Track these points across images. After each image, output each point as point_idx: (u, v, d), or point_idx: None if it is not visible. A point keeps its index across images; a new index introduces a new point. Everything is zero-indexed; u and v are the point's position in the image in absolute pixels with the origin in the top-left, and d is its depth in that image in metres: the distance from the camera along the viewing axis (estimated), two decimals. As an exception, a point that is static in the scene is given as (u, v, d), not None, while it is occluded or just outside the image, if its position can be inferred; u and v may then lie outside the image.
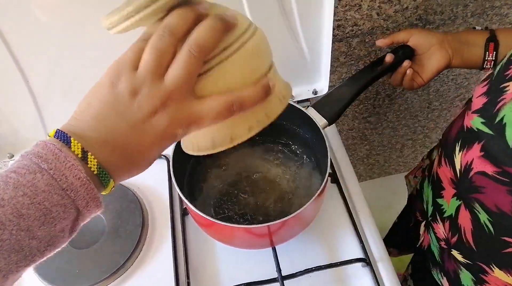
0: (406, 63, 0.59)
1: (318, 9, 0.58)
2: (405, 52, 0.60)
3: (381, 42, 0.62)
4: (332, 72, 0.79)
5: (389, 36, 0.61)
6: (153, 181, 0.66)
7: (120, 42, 0.56)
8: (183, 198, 0.48)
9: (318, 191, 0.47)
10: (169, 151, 0.68)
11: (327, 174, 0.49)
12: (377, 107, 0.96)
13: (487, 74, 0.47)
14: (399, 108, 0.99)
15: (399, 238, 0.96)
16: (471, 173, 0.46)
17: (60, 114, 0.64)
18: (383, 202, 1.27)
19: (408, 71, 0.59)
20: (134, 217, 0.61)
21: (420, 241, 0.66)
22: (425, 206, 0.64)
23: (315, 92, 0.70)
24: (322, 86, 0.70)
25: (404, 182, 0.86)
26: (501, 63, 0.43)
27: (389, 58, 0.59)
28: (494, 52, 0.55)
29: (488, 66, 0.56)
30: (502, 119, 0.40)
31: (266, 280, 0.51)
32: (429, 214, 0.61)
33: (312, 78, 0.69)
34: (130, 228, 0.60)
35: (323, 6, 0.57)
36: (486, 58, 0.55)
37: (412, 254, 0.84)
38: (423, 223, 0.65)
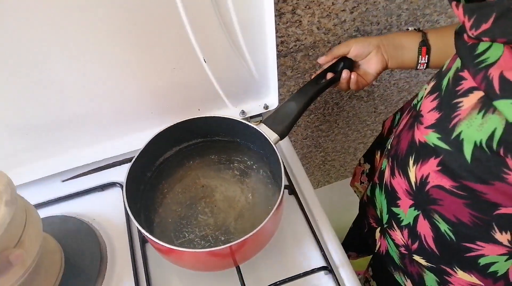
0: (344, 73, 0.62)
1: (260, 28, 0.59)
2: (345, 64, 0.63)
3: (322, 60, 0.65)
4: (280, 86, 0.81)
5: (329, 53, 0.64)
6: (109, 211, 0.64)
7: (71, 71, 0.54)
8: (139, 227, 0.47)
9: (275, 206, 0.48)
10: (123, 178, 0.67)
11: (282, 188, 0.50)
12: (327, 115, 1.00)
13: (431, 85, 0.49)
14: (347, 115, 1.04)
15: (356, 242, 0.98)
16: (428, 187, 0.47)
17: (3, 147, 0.61)
18: (342, 205, 1.30)
19: (352, 77, 0.62)
20: (91, 250, 0.59)
21: (378, 246, 0.67)
22: (379, 214, 0.65)
23: (266, 107, 0.72)
24: (272, 100, 0.72)
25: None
26: (448, 77, 0.44)
27: (329, 75, 0.62)
28: (427, 56, 0.59)
29: (421, 68, 0.61)
30: (459, 135, 0.41)
31: (232, 300, 0.51)
32: (384, 222, 0.62)
33: (262, 93, 0.71)
34: (88, 261, 0.58)
35: (264, 25, 0.59)
36: (419, 61, 0.60)
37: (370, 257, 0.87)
38: (378, 229, 0.67)
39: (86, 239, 0.60)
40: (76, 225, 0.62)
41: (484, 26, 0.35)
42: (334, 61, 0.63)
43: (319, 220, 0.61)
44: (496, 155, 0.38)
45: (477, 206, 0.43)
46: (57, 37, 0.51)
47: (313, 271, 0.54)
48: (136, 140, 0.68)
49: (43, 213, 0.64)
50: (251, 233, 0.45)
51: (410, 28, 0.62)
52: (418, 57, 0.59)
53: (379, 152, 0.76)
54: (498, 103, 0.36)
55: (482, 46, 0.38)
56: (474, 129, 0.39)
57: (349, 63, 0.63)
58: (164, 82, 0.62)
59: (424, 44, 0.59)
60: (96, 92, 0.60)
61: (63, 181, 0.69)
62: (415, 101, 0.54)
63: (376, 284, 0.81)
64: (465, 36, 0.40)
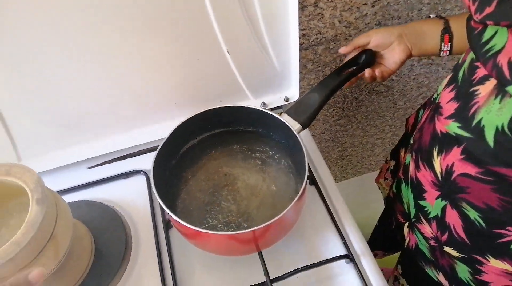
0: (367, 73, 0.63)
1: (283, 21, 0.60)
2: (367, 56, 0.64)
3: (343, 50, 0.65)
4: (301, 79, 0.82)
5: (350, 43, 0.65)
6: (133, 197, 0.66)
7: (95, 62, 0.56)
8: (166, 209, 0.48)
9: (299, 194, 0.49)
10: (148, 165, 0.69)
11: (306, 176, 0.50)
12: (346, 109, 1.00)
13: (448, 78, 0.50)
14: (366, 109, 1.04)
15: (382, 240, 0.98)
16: (454, 176, 0.48)
17: (31, 136, 0.63)
18: (359, 201, 1.30)
19: (376, 73, 0.63)
20: (117, 235, 0.61)
21: (407, 241, 0.67)
22: (406, 208, 0.65)
23: (286, 99, 0.72)
24: (293, 92, 0.72)
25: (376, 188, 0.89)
26: (463, 67, 0.45)
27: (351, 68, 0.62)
28: (449, 43, 0.60)
29: (444, 55, 0.61)
30: (479, 121, 0.42)
31: (255, 284, 0.52)
32: (412, 216, 0.62)
33: (283, 86, 0.72)
34: (114, 245, 0.59)
35: (287, 18, 0.60)
36: (442, 49, 0.60)
37: (399, 252, 0.86)
38: (406, 224, 0.67)
39: (112, 224, 0.62)
40: (102, 210, 0.64)
41: (488, 10, 0.36)
42: (354, 51, 0.64)
43: (340, 210, 0.62)
44: None
45: (505, 189, 0.43)
46: (82, 31, 0.53)
47: (334, 259, 0.55)
48: (159, 130, 0.70)
49: (70, 198, 0.66)
50: (275, 218, 0.46)
51: (431, 15, 0.63)
52: (440, 45, 0.60)
53: (403, 149, 0.76)
54: (510, 88, 0.37)
55: (487, 33, 0.39)
56: (494, 114, 0.40)
57: (371, 56, 0.64)
58: (188, 73, 0.64)
59: (447, 32, 0.59)
60: (122, 83, 0.62)
61: (89, 168, 0.71)
62: (434, 95, 0.55)
63: (406, 281, 0.80)
64: (472, 22, 0.41)
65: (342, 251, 0.57)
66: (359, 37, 0.63)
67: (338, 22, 0.72)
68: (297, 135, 0.54)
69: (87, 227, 0.60)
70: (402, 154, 0.76)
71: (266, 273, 0.53)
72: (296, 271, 0.53)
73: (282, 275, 0.53)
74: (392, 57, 0.63)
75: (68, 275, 0.53)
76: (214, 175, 0.62)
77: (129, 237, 0.62)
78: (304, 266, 0.54)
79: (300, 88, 0.71)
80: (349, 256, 0.55)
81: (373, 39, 0.62)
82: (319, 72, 0.82)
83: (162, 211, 0.62)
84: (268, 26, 0.60)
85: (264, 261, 0.54)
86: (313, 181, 0.65)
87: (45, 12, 0.50)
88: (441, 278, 0.61)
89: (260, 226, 0.46)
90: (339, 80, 0.60)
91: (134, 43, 0.56)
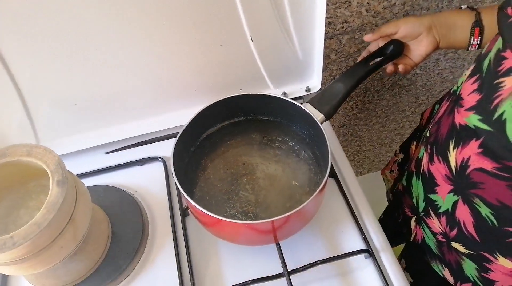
0: (389, 69, 0.62)
1: (310, 7, 0.59)
2: (395, 47, 0.62)
3: (368, 37, 0.63)
4: (323, 69, 0.80)
5: (377, 31, 0.62)
6: (151, 184, 0.66)
7: (116, 48, 0.56)
8: (185, 196, 0.48)
9: (321, 186, 0.48)
10: (165, 152, 0.69)
11: (329, 168, 0.49)
12: (366, 103, 0.98)
13: (470, 69, 0.48)
14: (387, 104, 1.01)
15: (387, 233, 0.97)
16: (469, 170, 0.46)
17: (51, 118, 0.63)
18: (373, 197, 1.28)
19: (400, 68, 0.61)
20: (134, 220, 0.60)
21: (413, 235, 0.66)
22: (415, 202, 0.64)
23: (308, 90, 0.71)
24: (315, 83, 0.71)
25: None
26: (488, 58, 0.43)
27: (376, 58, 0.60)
28: (479, 37, 0.57)
29: (473, 49, 0.59)
30: (501, 115, 0.40)
31: (272, 275, 0.52)
32: (420, 210, 0.61)
33: (305, 75, 0.70)
34: (131, 231, 0.59)
35: (315, 4, 0.58)
36: (471, 43, 0.58)
37: (403, 246, 0.85)
38: (413, 218, 0.66)
39: (129, 209, 0.62)
40: (119, 195, 0.64)
41: None
42: (380, 40, 0.62)
43: (359, 204, 0.60)
44: None
45: None
46: (103, 15, 0.52)
47: (353, 253, 0.54)
48: (177, 117, 0.69)
49: (88, 182, 0.66)
50: (295, 210, 0.45)
51: (463, 6, 0.60)
52: (470, 38, 0.57)
53: (415, 142, 0.74)
54: None
55: None
56: None
57: (399, 47, 0.61)
58: (210, 59, 0.63)
59: (478, 25, 0.57)
60: (142, 69, 0.61)
61: (107, 153, 0.71)
62: (454, 87, 0.53)
63: (410, 275, 0.80)
64: (508, 9, 0.39)
65: (362, 245, 0.56)
66: (387, 25, 0.61)
67: (365, 11, 0.69)
68: (321, 126, 0.53)
69: (104, 212, 0.60)
70: (413, 147, 0.75)
71: (284, 265, 0.52)
72: (314, 264, 0.52)
73: (300, 267, 0.52)
74: (418, 49, 0.60)
75: (86, 258, 0.53)
76: (233, 164, 0.62)
77: (146, 223, 0.61)
78: (322, 259, 0.53)
79: (322, 79, 0.69)
80: (369, 251, 0.54)
81: (402, 28, 0.59)
82: (342, 63, 0.80)
83: (180, 198, 0.62)
84: (293, 12, 0.59)
85: (282, 253, 0.53)
86: (332, 173, 0.64)
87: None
88: (446, 273, 0.60)
89: (280, 217, 0.45)
90: (365, 70, 0.58)
91: (156, 28, 0.56)
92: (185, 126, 0.55)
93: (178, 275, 0.54)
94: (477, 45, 0.58)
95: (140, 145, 0.71)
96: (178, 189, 0.62)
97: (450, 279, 0.60)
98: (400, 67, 0.62)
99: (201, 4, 0.54)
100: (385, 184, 0.90)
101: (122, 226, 0.60)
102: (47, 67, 0.57)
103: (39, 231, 0.40)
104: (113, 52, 0.57)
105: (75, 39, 0.54)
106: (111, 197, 0.64)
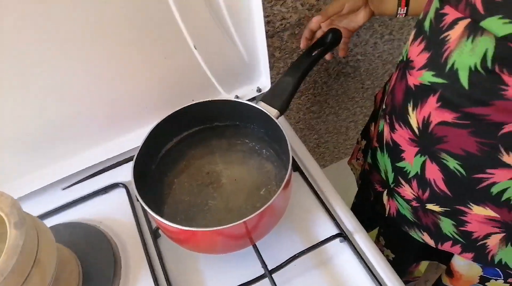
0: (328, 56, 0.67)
1: (247, 7, 0.59)
2: (333, 35, 0.64)
3: (317, 19, 0.64)
4: (270, 68, 0.81)
5: (324, 13, 0.64)
6: (115, 212, 0.63)
7: (55, 77, 0.53)
8: (154, 215, 0.46)
9: (285, 179, 0.48)
10: (126, 177, 0.66)
11: (290, 161, 0.50)
12: (317, 95, 1.00)
13: (412, 34, 0.51)
14: (336, 93, 1.05)
15: (361, 217, 0.99)
16: (431, 127, 0.48)
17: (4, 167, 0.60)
18: (340, 187, 1.31)
19: (340, 53, 0.65)
20: (103, 253, 0.58)
21: (387, 210, 0.68)
22: (383, 176, 0.66)
23: (259, 90, 0.72)
24: (265, 83, 0.72)
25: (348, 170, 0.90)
26: (428, 18, 0.46)
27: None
28: (406, 7, 0.64)
29: (400, 17, 0.66)
30: (452, 65, 0.43)
31: (255, 278, 0.51)
32: (390, 182, 0.63)
33: (254, 76, 0.71)
34: (102, 264, 0.56)
35: (251, 5, 0.59)
36: (399, 12, 0.65)
37: (377, 228, 0.88)
38: (384, 192, 0.68)
39: (97, 242, 0.59)
40: (84, 230, 0.61)
41: None
42: (326, 24, 0.66)
43: (326, 191, 0.61)
44: (491, 74, 0.40)
45: (482, 131, 0.44)
46: (41, 36, 0.49)
47: (328, 239, 0.54)
48: (133, 139, 0.67)
49: (48, 223, 0.62)
50: (264, 207, 0.45)
51: None
52: (398, 8, 0.64)
53: (373, 124, 0.77)
54: (485, 23, 0.38)
55: None
56: (466, 55, 0.41)
57: (337, 34, 0.64)
58: (156, 73, 0.62)
59: None
60: (87, 93, 0.59)
61: (64, 189, 0.67)
62: (401, 57, 0.56)
63: (391, 251, 0.82)
64: None
65: (335, 231, 0.57)
66: (332, 5, 0.64)
67: (300, 5, 0.71)
68: (277, 121, 0.53)
69: (70, 250, 0.57)
70: (372, 128, 0.77)
71: (264, 265, 0.52)
72: (293, 258, 0.53)
73: (280, 265, 0.52)
74: (356, 19, 0.67)
75: (57, 302, 0.49)
76: (197, 175, 0.61)
77: (117, 252, 0.59)
78: (300, 252, 0.53)
79: (271, 77, 0.70)
80: (343, 234, 0.55)
81: (346, 5, 0.63)
82: (287, 60, 0.81)
83: (148, 221, 0.60)
84: (231, 15, 0.59)
85: (260, 254, 0.53)
86: (296, 167, 0.64)
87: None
88: (425, 238, 0.62)
89: (251, 216, 0.45)
90: (309, 61, 0.60)
91: (96, 49, 0.54)
92: (140, 147, 0.54)
93: (160, 299, 0.52)
94: (404, 14, 0.65)
95: (97, 175, 0.68)
96: (146, 211, 0.61)
97: (431, 242, 0.62)
98: (340, 53, 0.66)
99: (138, 19, 0.53)
100: (354, 173, 0.92)
101: (92, 261, 0.57)
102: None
103: (3, 279, 0.37)
104: (53, 79, 0.54)
105: (12, 70, 0.51)
106: (75, 234, 0.61)
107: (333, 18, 0.67)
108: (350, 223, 0.58)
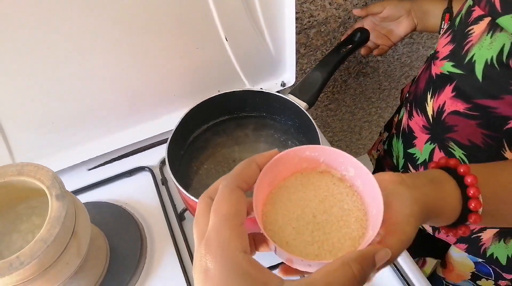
0: (363, 51, 0.70)
1: (280, 4, 0.61)
2: (361, 35, 0.66)
3: (357, 12, 0.69)
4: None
5: (365, 9, 0.69)
6: (140, 195, 0.65)
7: (90, 61, 0.55)
8: (186, 193, 0.48)
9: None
10: (151, 161, 0.68)
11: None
12: (335, 93, 1.02)
13: (445, 28, 0.53)
14: (354, 92, 1.06)
15: None
16: (444, 115, 0.51)
17: (27, 139, 0.61)
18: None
19: (375, 52, 0.69)
20: (130, 232, 0.59)
21: None
22: (395, 161, 0.68)
23: (283, 84, 0.73)
24: (289, 77, 0.73)
25: (366, 161, 0.91)
26: (460, 15, 0.48)
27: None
28: (449, 22, 0.64)
29: (443, 32, 0.66)
30: (471, 58, 0.45)
31: (277, 264, 0.53)
32: (400, 167, 0.65)
33: (279, 71, 0.72)
34: (128, 243, 0.58)
35: (284, 1, 0.61)
36: (442, 27, 0.65)
37: None
38: None
39: (123, 221, 0.61)
40: (110, 209, 0.63)
41: None
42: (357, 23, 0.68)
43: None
44: (505, 68, 0.42)
45: (489, 123, 0.46)
46: (73, 27, 0.51)
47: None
48: (159, 125, 0.69)
49: (75, 201, 0.64)
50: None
51: None
52: (441, 23, 0.65)
53: (397, 116, 0.79)
54: (501, 20, 0.40)
55: None
56: (485, 49, 0.43)
57: (365, 34, 0.66)
58: (187, 63, 0.64)
59: (449, 11, 0.64)
60: (118, 78, 0.60)
61: (89, 169, 0.69)
62: (431, 51, 0.58)
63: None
64: None
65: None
66: (373, 4, 0.67)
67: (328, 4, 0.73)
68: (306, 113, 0.55)
69: (98, 228, 0.59)
70: (395, 120, 0.79)
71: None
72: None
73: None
74: (398, 29, 0.68)
75: (87, 275, 0.51)
76: (223, 162, 0.62)
77: (143, 233, 0.61)
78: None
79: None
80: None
81: (387, 9, 0.65)
82: (311, 57, 0.83)
83: (173, 204, 0.62)
84: (264, 10, 0.61)
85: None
86: (319, 160, 0.66)
87: (39, 12, 0.48)
88: (424, 225, 0.64)
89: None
90: (338, 58, 0.61)
91: (130, 36, 0.56)
92: (173, 130, 0.56)
93: (185, 279, 0.54)
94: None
95: (123, 158, 0.70)
96: (171, 195, 0.63)
97: (429, 229, 0.64)
98: (375, 51, 0.68)
99: (175, 8, 0.55)
100: (372, 164, 0.94)
101: (119, 239, 0.59)
102: (19, 86, 0.55)
103: (46, 247, 0.39)
104: (87, 64, 0.56)
105: (48, 55, 0.53)
106: (103, 213, 0.63)
107: (376, 23, 0.69)
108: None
